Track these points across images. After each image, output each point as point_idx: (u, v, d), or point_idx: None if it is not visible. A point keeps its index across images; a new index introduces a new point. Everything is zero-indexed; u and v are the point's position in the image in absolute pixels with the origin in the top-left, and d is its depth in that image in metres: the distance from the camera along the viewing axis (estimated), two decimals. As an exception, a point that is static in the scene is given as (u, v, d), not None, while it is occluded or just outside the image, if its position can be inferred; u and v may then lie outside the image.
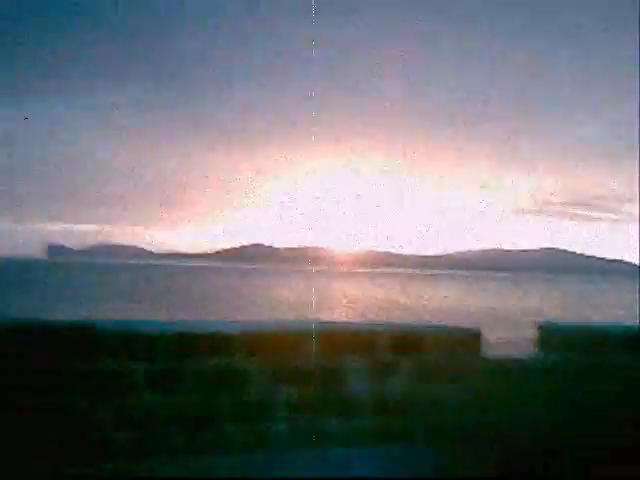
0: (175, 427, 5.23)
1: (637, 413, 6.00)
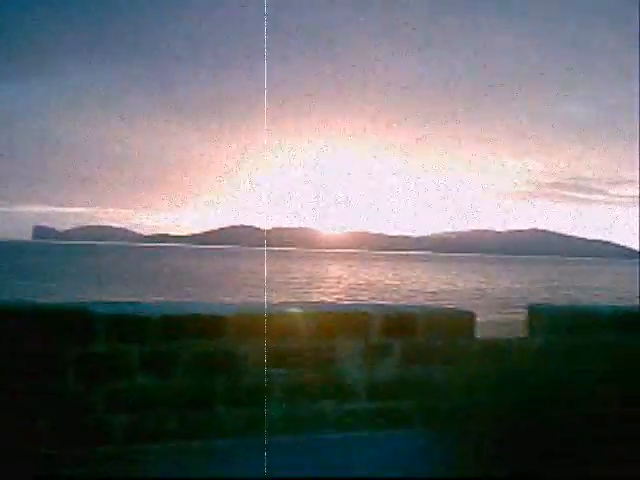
0: (168, 410, 5.22)
1: (624, 391, 6.08)
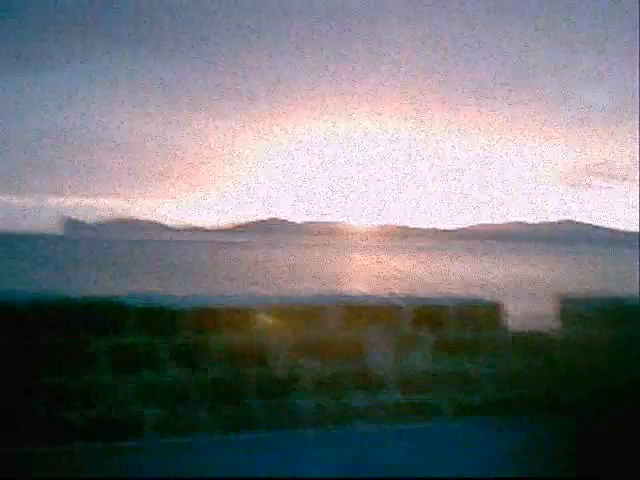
0: (199, 402, 5.23)
1: None
